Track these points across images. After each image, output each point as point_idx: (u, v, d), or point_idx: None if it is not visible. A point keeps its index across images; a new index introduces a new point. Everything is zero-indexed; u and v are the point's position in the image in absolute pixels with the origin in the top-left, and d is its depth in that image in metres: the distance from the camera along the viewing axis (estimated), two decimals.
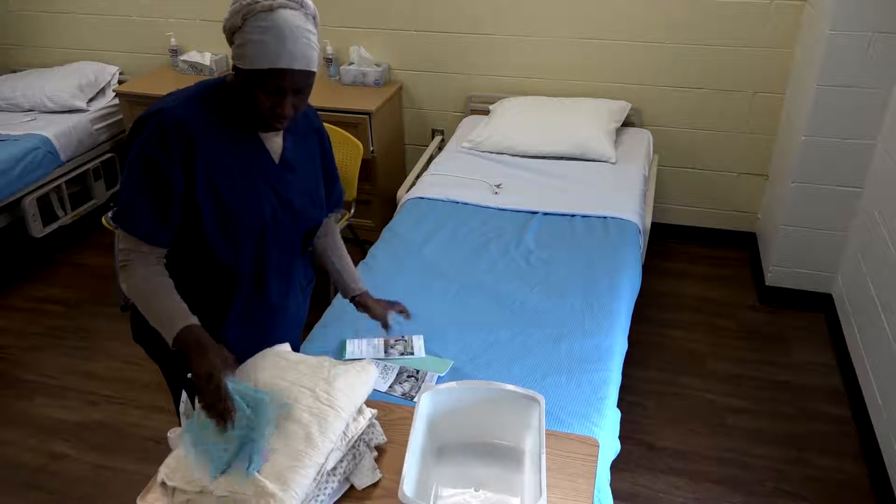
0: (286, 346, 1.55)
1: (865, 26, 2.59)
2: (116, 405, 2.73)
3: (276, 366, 1.43)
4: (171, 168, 1.38)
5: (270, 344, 1.52)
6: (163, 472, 1.26)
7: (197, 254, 1.49)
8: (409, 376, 1.90)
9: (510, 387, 1.42)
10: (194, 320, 1.40)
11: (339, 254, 1.81)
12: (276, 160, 1.54)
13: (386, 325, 1.79)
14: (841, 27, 2.61)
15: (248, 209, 1.49)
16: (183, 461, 1.27)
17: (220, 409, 1.26)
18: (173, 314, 1.40)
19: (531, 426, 1.40)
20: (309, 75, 1.38)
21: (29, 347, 3.06)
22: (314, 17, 1.40)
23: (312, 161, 1.64)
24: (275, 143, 1.54)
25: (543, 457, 1.27)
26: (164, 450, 1.35)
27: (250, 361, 1.46)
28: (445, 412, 1.43)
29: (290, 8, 1.34)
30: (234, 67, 1.40)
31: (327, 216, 1.75)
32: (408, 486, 1.22)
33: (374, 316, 1.79)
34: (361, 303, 1.80)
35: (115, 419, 2.66)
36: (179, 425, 1.38)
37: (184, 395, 1.42)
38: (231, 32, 1.38)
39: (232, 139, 1.47)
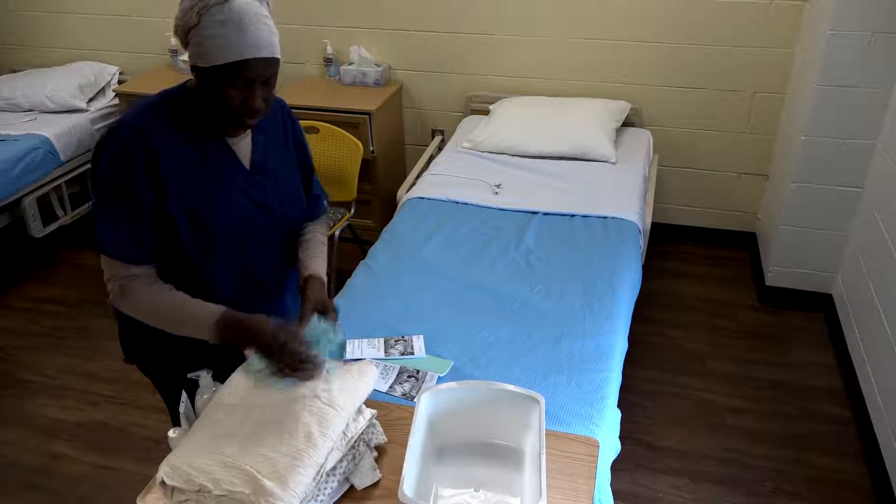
0: None
1: (865, 26, 2.59)
2: (116, 405, 2.73)
3: None
4: (138, 182, 1.36)
5: None
6: (162, 472, 1.26)
7: (178, 266, 1.47)
8: (409, 376, 1.90)
9: (510, 387, 1.42)
10: (220, 310, 1.39)
11: (307, 248, 1.65)
12: (247, 164, 1.49)
13: (303, 315, 1.49)
14: (841, 27, 2.61)
15: (221, 216, 1.44)
16: (184, 460, 1.26)
17: (305, 369, 1.32)
18: (199, 315, 1.39)
19: (531, 426, 1.40)
20: (274, 62, 1.35)
21: (29, 347, 3.06)
22: (268, 3, 1.36)
23: (287, 158, 1.59)
24: (243, 146, 1.49)
25: (544, 457, 1.27)
26: (164, 450, 1.35)
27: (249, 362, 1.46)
28: (445, 412, 1.43)
29: None
30: (194, 69, 1.36)
31: (309, 223, 1.68)
32: (408, 486, 1.22)
33: (303, 301, 1.53)
34: (302, 288, 1.56)
35: (115, 419, 2.66)
36: (176, 425, 1.39)
37: (184, 395, 1.43)
38: (185, 32, 1.33)
39: (196, 146, 1.42)
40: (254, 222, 1.50)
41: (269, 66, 1.34)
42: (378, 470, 1.38)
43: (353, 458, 1.36)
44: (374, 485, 1.37)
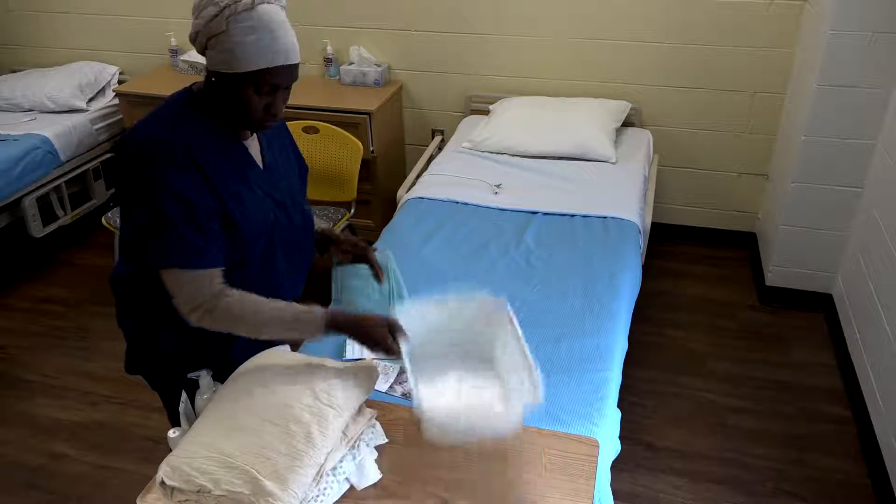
0: (286, 347, 1.54)
1: (865, 26, 2.59)
2: (116, 405, 2.73)
3: (276, 365, 1.43)
4: (199, 189, 1.33)
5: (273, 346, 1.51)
6: (162, 472, 1.26)
7: None
8: None
9: (475, 295, 1.51)
10: (321, 309, 1.41)
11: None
12: (261, 165, 1.50)
13: (374, 266, 1.65)
14: (841, 27, 2.61)
15: (254, 218, 1.44)
16: (183, 460, 1.26)
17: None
18: (302, 315, 1.39)
19: (503, 327, 1.49)
20: (297, 68, 1.38)
21: (29, 347, 3.06)
22: (284, 8, 1.38)
23: (288, 158, 1.61)
24: (254, 148, 1.49)
25: (524, 343, 1.38)
26: (164, 450, 1.35)
27: (249, 362, 1.46)
28: (420, 335, 1.47)
29: (268, 2, 1.32)
30: (214, 74, 1.34)
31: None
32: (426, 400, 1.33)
33: (344, 250, 1.68)
34: (327, 237, 1.69)
35: (115, 419, 2.66)
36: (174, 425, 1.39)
37: (184, 395, 1.43)
38: (207, 38, 1.31)
39: (222, 151, 1.41)
40: (279, 221, 1.50)
41: (294, 72, 1.36)
42: (378, 470, 1.38)
43: (354, 458, 1.36)
44: (374, 484, 1.37)
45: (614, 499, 1.77)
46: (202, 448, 1.27)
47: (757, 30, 3.14)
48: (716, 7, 3.14)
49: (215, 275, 1.38)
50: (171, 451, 1.35)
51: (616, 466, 1.89)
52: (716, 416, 2.59)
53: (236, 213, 1.40)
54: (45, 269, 3.60)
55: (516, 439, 1.45)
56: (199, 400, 1.43)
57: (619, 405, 1.93)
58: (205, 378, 1.44)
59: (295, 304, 1.41)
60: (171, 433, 1.38)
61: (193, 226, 1.33)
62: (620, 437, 1.89)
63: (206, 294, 1.36)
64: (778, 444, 2.47)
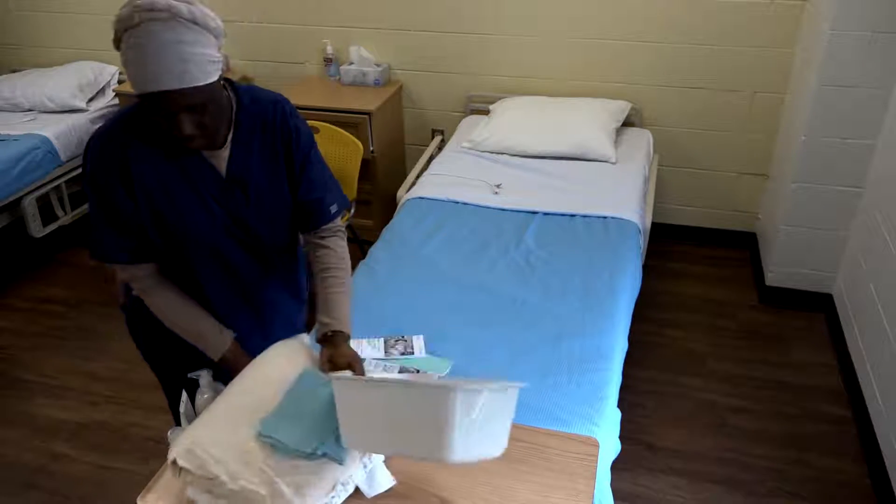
0: (304, 336, 1.58)
1: (865, 26, 2.59)
2: (116, 405, 2.73)
3: (298, 358, 1.48)
4: (114, 190, 1.35)
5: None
6: (175, 452, 1.26)
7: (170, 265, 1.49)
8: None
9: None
10: (227, 342, 1.50)
11: (323, 275, 1.55)
12: (223, 175, 1.42)
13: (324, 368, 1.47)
14: (841, 27, 2.61)
15: (191, 225, 1.41)
16: (199, 444, 1.27)
17: None
18: (208, 339, 1.49)
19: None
20: (191, 93, 1.20)
21: (29, 347, 3.06)
22: (194, 21, 1.20)
23: (274, 172, 1.47)
24: (220, 157, 1.41)
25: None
26: (164, 450, 1.35)
27: (271, 350, 1.48)
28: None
29: (157, 20, 1.17)
30: None
31: (315, 229, 1.56)
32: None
33: (322, 360, 1.48)
34: (324, 343, 1.49)
35: (115, 419, 2.66)
36: (178, 425, 1.39)
37: (184, 395, 1.43)
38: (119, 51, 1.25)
39: (170, 153, 1.37)
40: (230, 233, 1.45)
41: (183, 97, 1.20)
42: (391, 477, 1.36)
43: (364, 466, 1.34)
44: None
45: (614, 499, 1.77)
46: (218, 435, 1.28)
47: (757, 30, 3.14)
48: (716, 7, 3.14)
49: (143, 269, 1.45)
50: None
51: (616, 466, 1.89)
52: (716, 416, 2.59)
53: (169, 216, 1.39)
54: (45, 269, 3.60)
55: (516, 440, 1.45)
56: (199, 400, 1.43)
57: (619, 405, 1.93)
58: (205, 378, 1.44)
59: (210, 320, 1.50)
60: (171, 433, 1.38)
61: (112, 223, 1.39)
62: (620, 437, 1.89)
63: (136, 286, 1.48)
64: (778, 444, 2.47)
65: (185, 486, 1.26)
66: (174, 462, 1.26)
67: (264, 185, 1.46)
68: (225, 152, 1.41)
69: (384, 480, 1.35)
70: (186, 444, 1.26)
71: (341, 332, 1.49)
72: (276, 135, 1.46)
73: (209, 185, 1.41)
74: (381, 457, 1.38)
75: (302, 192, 1.51)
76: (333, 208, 1.56)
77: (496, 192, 2.91)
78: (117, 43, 1.22)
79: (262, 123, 1.44)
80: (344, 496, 1.32)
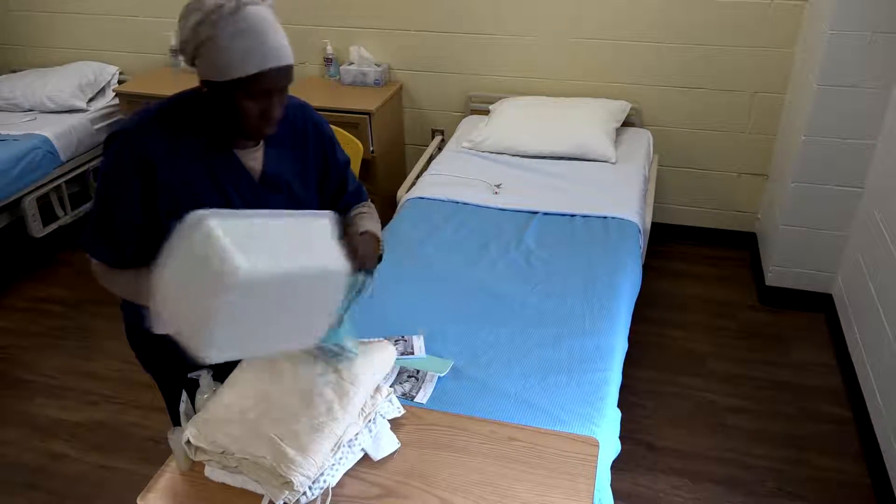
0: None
1: (865, 26, 2.59)
2: (116, 405, 2.73)
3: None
4: (129, 200, 1.34)
5: None
6: (189, 433, 1.31)
7: None
8: (409, 376, 1.90)
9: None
10: None
11: (354, 213, 1.64)
12: (256, 178, 1.43)
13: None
14: (841, 27, 2.61)
15: None
16: (211, 422, 1.32)
17: None
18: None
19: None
20: (291, 69, 1.31)
21: (29, 347, 3.06)
22: (271, 8, 1.31)
23: (304, 174, 1.51)
24: (255, 158, 1.42)
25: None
26: (164, 450, 1.37)
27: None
28: None
29: (254, 3, 1.25)
30: (206, 84, 1.31)
31: (352, 208, 1.65)
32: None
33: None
34: (344, 224, 1.57)
35: (115, 419, 2.66)
36: (178, 424, 1.39)
37: (184, 395, 1.43)
38: (195, 47, 1.27)
39: (201, 156, 1.37)
40: None
41: (288, 74, 1.30)
42: (396, 439, 1.42)
43: (370, 430, 1.41)
44: (374, 484, 1.37)
45: (614, 499, 1.77)
46: (229, 412, 1.34)
47: (757, 30, 3.14)
48: (716, 7, 3.14)
49: (117, 272, 1.44)
50: (171, 451, 1.38)
51: (616, 466, 1.89)
52: (716, 416, 2.59)
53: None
54: (45, 269, 3.60)
55: (516, 440, 1.45)
56: (199, 400, 1.43)
57: (619, 405, 1.93)
58: (205, 378, 1.44)
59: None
60: (171, 433, 1.38)
61: (113, 224, 1.37)
62: (620, 437, 1.89)
63: (99, 279, 1.46)
64: (778, 444, 2.47)
65: (203, 467, 1.34)
66: (188, 442, 1.31)
67: (298, 190, 1.49)
68: (258, 152, 1.43)
69: (389, 444, 1.40)
70: (198, 426, 1.33)
71: (370, 231, 1.54)
72: (305, 142, 1.50)
73: (240, 186, 1.41)
74: (387, 422, 1.44)
75: (334, 182, 1.59)
76: (364, 192, 1.72)
77: (496, 192, 2.91)
78: (211, 29, 1.23)
79: (291, 126, 1.47)
80: (353, 460, 1.37)
